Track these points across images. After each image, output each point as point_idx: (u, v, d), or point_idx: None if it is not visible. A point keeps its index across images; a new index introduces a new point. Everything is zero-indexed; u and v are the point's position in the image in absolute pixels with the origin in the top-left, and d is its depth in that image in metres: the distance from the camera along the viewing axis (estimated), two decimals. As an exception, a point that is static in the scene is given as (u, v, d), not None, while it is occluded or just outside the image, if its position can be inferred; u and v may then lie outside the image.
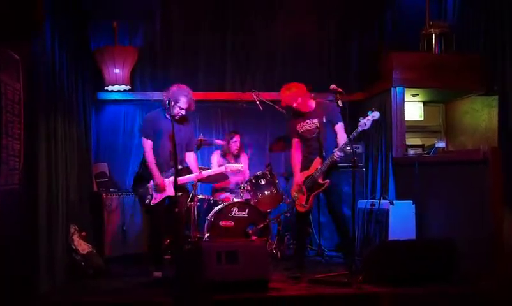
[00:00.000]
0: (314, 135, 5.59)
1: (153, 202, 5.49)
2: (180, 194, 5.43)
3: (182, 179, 5.53)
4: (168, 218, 5.51)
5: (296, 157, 5.80)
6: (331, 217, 5.74)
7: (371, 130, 6.64)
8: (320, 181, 5.50)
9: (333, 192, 5.57)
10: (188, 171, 5.73)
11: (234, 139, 6.77)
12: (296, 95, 5.58)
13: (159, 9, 7.28)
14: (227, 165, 5.96)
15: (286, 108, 5.82)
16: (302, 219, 5.80)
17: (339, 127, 5.56)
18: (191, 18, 7.34)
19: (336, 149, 5.37)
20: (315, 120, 5.58)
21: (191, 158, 5.83)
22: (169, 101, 5.45)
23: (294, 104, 5.60)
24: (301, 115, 5.69)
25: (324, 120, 5.57)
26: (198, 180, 5.78)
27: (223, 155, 6.80)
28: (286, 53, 7.49)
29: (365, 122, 5.17)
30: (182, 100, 5.52)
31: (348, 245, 5.57)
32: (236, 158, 6.85)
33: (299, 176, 5.67)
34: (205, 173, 5.80)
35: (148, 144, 5.55)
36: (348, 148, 5.34)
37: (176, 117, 5.54)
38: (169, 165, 5.49)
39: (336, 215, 5.58)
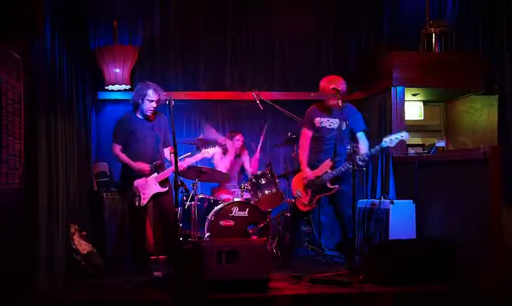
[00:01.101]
0: (331, 135, 5.50)
1: (142, 203, 5.47)
2: (166, 189, 5.49)
3: (164, 173, 5.53)
4: (160, 218, 5.54)
5: (305, 149, 5.60)
6: (335, 218, 5.70)
7: (370, 130, 6.67)
8: (329, 185, 5.42)
9: (340, 195, 5.51)
10: (164, 164, 5.71)
11: (237, 138, 6.77)
12: (338, 84, 5.44)
13: (159, 8, 7.28)
14: (204, 150, 5.81)
15: (323, 92, 5.54)
16: (299, 217, 5.76)
17: (361, 135, 5.53)
18: (191, 17, 7.34)
19: (357, 157, 5.27)
20: (337, 121, 5.47)
21: (168, 153, 5.77)
22: (138, 100, 5.49)
23: (331, 86, 5.40)
24: (324, 109, 5.56)
25: (345, 125, 5.48)
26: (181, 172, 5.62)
27: (225, 154, 6.79)
28: (286, 52, 7.50)
29: (391, 139, 5.15)
30: (149, 93, 5.49)
31: (349, 246, 5.57)
32: (237, 157, 6.87)
33: (309, 173, 5.50)
34: (186, 162, 5.68)
35: (117, 148, 5.56)
36: (367, 158, 5.31)
37: (148, 113, 5.53)
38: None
39: (342, 217, 5.54)
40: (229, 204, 5.98)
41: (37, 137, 4.56)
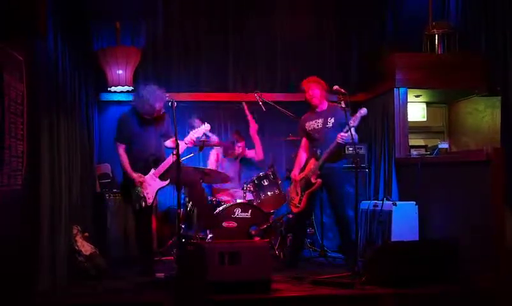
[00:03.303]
0: (318, 135, 5.66)
1: (148, 203, 5.45)
2: (167, 182, 5.47)
3: (162, 166, 5.50)
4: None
5: (301, 156, 5.90)
6: (333, 218, 5.80)
7: (373, 131, 6.67)
8: (312, 180, 5.57)
9: (335, 193, 5.64)
10: (163, 158, 5.62)
11: (239, 145, 6.75)
12: (320, 88, 5.69)
13: (162, 9, 7.30)
14: (192, 131, 5.67)
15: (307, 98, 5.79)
16: (296, 220, 5.85)
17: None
18: (193, 19, 7.36)
19: (327, 150, 5.49)
20: (321, 121, 5.68)
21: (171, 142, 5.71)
22: (143, 106, 5.42)
23: (315, 99, 5.69)
24: (313, 113, 5.77)
25: (332, 121, 5.62)
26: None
27: (225, 155, 6.78)
28: (288, 53, 7.51)
29: (354, 119, 5.30)
30: (157, 105, 5.43)
31: (349, 247, 5.58)
32: (235, 159, 6.82)
33: (296, 172, 5.81)
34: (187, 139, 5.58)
35: (121, 148, 5.52)
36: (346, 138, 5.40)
37: (154, 116, 5.50)
38: (149, 167, 5.49)
39: (338, 216, 5.63)
40: (232, 205, 5.98)
41: (40, 138, 4.57)
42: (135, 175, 5.45)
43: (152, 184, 5.47)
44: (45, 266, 4.58)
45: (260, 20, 7.48)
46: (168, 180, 5.50)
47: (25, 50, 4.29)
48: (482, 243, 4.75)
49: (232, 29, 7.44)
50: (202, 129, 5.67)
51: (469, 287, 4.67)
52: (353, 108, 5.42)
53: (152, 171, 5.48)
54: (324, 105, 5.76)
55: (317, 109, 5.77)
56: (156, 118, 5.57)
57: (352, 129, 5.28)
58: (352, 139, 5.27)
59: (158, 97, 5.42)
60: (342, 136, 5.36)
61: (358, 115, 5.31)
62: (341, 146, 5.58)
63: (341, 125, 5.55)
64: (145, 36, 7.27)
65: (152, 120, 5.55)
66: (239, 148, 6.75)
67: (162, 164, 5.50)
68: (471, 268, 4.79)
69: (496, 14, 6.04)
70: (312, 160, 5.64)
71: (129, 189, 5.50)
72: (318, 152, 5.58)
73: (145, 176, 5.47)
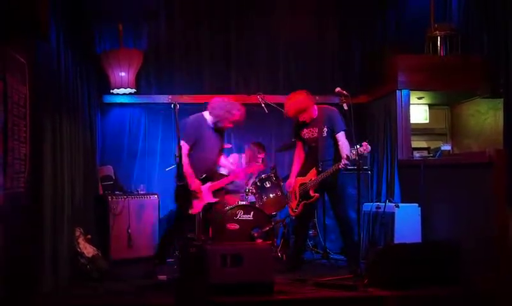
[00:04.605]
0: (315, 144, 5.60)
1: (193, 212, 5.45)
2: (217, 199, 5.59)
3: (218, 183, 5.61)
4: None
5: (297, 159, 5.87)
6: (335, 220, 5.78)
7: (376, 133, 6.66)
8: (311, 193, 5.55)
9: (335, 195, 5.61)
10: (222, 175, 5.81)
11: (259, 156, 6.71)
12: (302, 106, 5.52)
13: (164, 11, 7.30)
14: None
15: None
16: (297, 222, 5.86)
17: (341, 136, 5.52)
18: (195, 20, 7.36)
19: (327, 170, 5.41)
20: (316, 129, 5.59)
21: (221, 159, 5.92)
22: (221, 113, 5.46)
23: (300, 119, 5.60)
24: (305, 123, 5.69)
25: (325, 129, 5.55)
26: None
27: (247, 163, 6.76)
28: (290, 55, 7.50)
29: (354, 153, 5.13)
30: (236, 114, 5.50)
31: (352, 249, 5.57)
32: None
33: (292, 180, 5.77)
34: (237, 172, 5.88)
35: (186, 147, 5.41)
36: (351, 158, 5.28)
37: (222, 127, 5.58)
38: (208, 177, 5.55)
39: (339, 218, 5.61)
40: (234, 207, 5.97)
41: (42, 140, 4.58)
42: (196, 182, 5.44)
43: (204, 196, 5.49)
44: (47, 267, 4.59)
45: (261, 21, 7.46)
46: (218, 199, 5.60)
47: (27, 52, 4.30)
48: (484, 244, 4.74)
49: (233, 30, 7.43)
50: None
51: (470, 288, 4.66)
52: (356, 111, 5.39)
53: (209, 184, 5.52)
54: (315, 112, 5.63)
55: (310, 120, 5.66)
56: (219, 132, 5.63)
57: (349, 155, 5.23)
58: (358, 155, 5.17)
59: (236, 106, 5.52)
60: (346, 165, 5.28)
61: (362, 149, 5.13)
62: (341, 170, 5.47)
63: (332, 130, 5.53)
64: (147, 37, 7.27)
65: (217, 133, 5.58)
66: (259, 159, 6.70)
67: (220, 180, 5.60)
68: (473, 270, 4.78)
69: (497, 16, 6.03)
70: (313, 171, 5.55)
71: (185, 191, 5.41)
72: (320, 165, 5.51)
73: (202, 187, 5.48)
